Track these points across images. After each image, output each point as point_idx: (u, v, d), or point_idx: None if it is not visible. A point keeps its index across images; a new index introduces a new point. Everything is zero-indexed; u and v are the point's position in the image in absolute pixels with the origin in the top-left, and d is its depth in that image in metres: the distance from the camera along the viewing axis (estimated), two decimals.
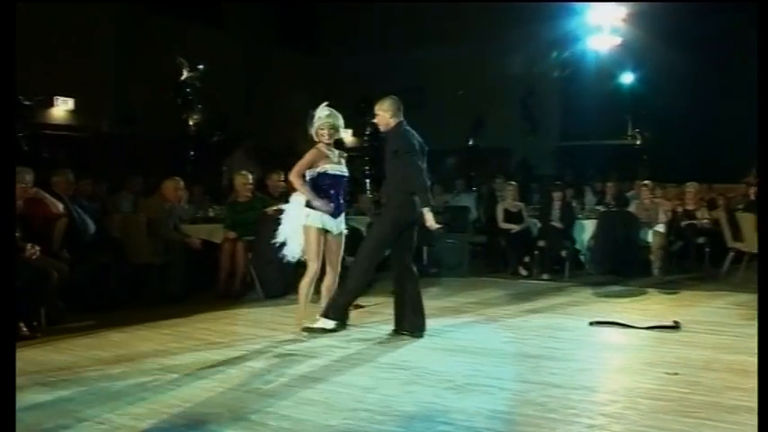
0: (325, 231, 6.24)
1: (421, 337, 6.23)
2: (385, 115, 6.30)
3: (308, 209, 6.21)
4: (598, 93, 16.74)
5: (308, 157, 6.28)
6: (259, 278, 8.53)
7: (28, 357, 5.55)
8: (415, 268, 6.39)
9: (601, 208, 11.21)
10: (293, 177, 6.29)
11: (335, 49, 20.09)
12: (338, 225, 6.35)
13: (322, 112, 6.35)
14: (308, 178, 6.29)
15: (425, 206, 6.16)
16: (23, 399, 4.49)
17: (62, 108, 14.84)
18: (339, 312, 6.29)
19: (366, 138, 16.33)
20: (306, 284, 6.25)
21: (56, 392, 4.66)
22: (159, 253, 8.37)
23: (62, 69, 14.05)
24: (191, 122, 12.82)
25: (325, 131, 6.31)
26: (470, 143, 17.40)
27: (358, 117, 15.48)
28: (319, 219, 6.20)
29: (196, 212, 9.96)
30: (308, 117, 6.36)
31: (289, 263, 6.52)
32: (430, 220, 6.19)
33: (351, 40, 19.65)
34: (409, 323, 6.31)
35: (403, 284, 6.34)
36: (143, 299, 8.31)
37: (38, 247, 6.40)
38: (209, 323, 7.08)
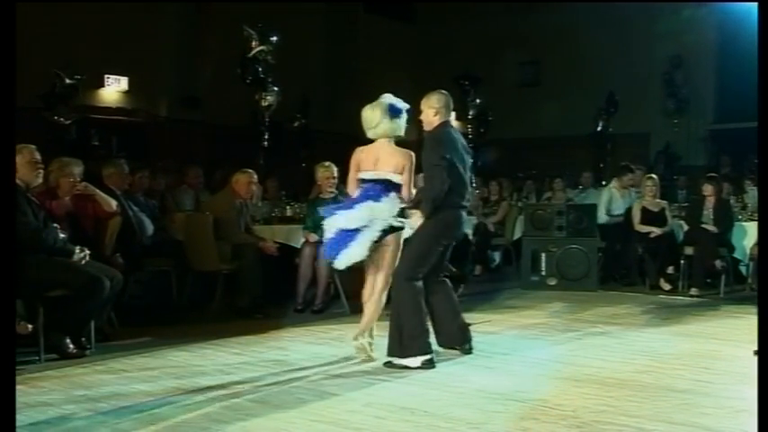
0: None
1: (470, 352, 6.48)
2: (429, 112, 6.32)
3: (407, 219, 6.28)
4: None
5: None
6: (344, 289, 8.60)
7: (75, 379, 5.75)
8: (447, 280, 6.56)
9: None
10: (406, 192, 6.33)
11: (434, 15, 20.10)
12: None
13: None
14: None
15: (423, 214, 6.08)
16: (67, 427, 4.66)
17: (114, 88, 15.24)
18: (415, 346, 6.13)
19: (469, 121, 16.34)
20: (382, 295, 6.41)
21: (105, 421, 4.77)
22: (228, 259, 8.52)
23: (113, 43, 14.38)
24: (263, 105, 13.03)
25: None
26: (599, 128, 17.15)
27: (460, 97, 15.50)
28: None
29: (271, 211, 10.16)
30: (394, 109, 6.28)
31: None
32: (414, 219, 6.15)
33: (453, 4, 19.62)
34: (449, 337, 6.50)
35: (436, 298, 6.46)
36: (208, 312, 8.50)
37: (87, 251, 6.56)
38: (285, 342, 7.19)
